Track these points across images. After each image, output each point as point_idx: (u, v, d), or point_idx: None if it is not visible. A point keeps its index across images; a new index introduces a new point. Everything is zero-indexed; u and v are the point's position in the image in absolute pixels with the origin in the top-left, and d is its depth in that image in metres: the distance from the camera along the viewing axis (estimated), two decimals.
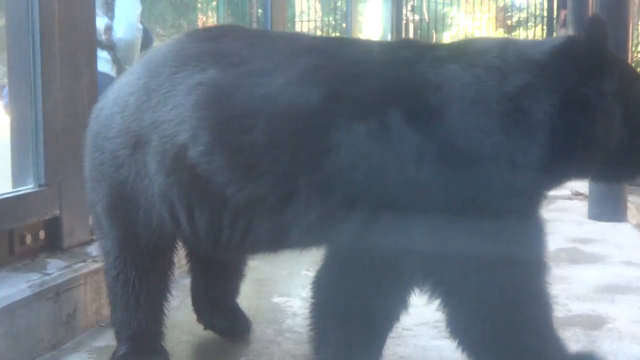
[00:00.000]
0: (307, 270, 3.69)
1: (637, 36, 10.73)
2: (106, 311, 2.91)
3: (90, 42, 3.14)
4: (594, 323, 3.01)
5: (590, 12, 5.75)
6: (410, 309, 3.13)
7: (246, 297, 3.31)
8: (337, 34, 10.25)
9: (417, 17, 10.55)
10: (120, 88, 2.25)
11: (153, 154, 2.06)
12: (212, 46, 2.13)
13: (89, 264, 2.86)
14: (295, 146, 1.90)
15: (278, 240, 2.10)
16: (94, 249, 3.01)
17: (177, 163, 2.01)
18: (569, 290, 3.35)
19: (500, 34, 10.81)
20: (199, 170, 1.98)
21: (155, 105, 2.07)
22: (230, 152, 1.96)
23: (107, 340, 2.76)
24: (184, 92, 2.03)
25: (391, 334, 2.91)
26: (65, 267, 2.76)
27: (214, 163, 1.96)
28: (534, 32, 10.28)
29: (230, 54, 2.08)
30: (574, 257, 4.08)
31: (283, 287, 3.44)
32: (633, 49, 8.55)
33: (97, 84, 3.19)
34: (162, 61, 2.17)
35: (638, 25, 11.05)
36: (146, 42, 5.15)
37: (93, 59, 3.17)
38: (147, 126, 2.08)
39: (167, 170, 2.04)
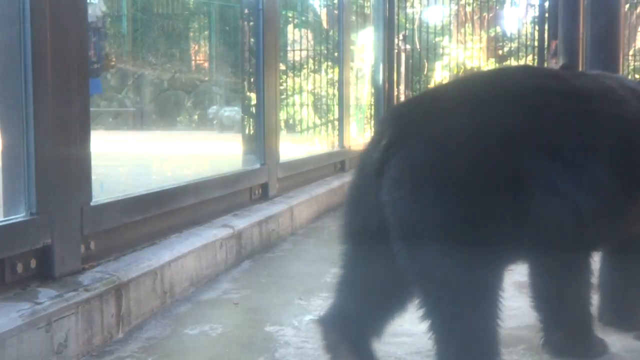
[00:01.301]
0: (300, 299, 3.68)
1: (628, 66, 10.82)
2: (98, 340, 2.90)
3: (82, 70, 3.14)
4: None
5: (580, 43, 5.78)
6: (404, 338, 3.13)
7: (238, 326, 3.30)
8: (329, 63, 10.30)
9: (409, 46, 10.60)
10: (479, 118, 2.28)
11: (563, 172, 2.28)
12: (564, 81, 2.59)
13: (80, 293, 2.84)
14: None
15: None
16: (85, 278, 2.99)
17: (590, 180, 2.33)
18: None
19: (491, 63, 10.87)
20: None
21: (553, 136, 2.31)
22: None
23: None
24: (581, 121, 2.40)
25: None
26: (57, 296, 2.74)
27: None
28: (525, 62, 10.33)
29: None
30: None
31: (276, 316, 3.42)
32: None
33: (89, 113, 3.20)
34: (533, 94, 2.39)
35: (628, 55, 11.15)
36: None
37: (85, 87, 3.17)
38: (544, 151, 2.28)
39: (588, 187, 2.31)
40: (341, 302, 2.56)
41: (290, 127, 10.92)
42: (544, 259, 2.68)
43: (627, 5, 11.28)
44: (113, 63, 10.89)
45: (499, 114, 2.28)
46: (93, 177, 3.21)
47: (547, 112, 2.35)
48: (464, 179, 2.15)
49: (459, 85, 2.74)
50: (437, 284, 2.21)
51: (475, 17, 12.07)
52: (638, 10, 12.62)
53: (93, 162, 3.21)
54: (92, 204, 3.18)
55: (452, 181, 2.16)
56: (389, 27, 10.13)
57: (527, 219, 2.20)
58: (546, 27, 9.48)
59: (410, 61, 10.60)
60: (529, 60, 10.19)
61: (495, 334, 2.25)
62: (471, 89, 2.48)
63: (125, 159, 10.13)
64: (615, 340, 3.09)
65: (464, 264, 2.16)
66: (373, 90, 10.39)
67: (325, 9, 12.21)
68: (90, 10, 5.50)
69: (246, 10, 6.05)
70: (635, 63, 11.31)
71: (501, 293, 2.27)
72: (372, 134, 2.46)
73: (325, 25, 11.75)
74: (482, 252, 2.16)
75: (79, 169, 3.10)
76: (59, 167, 2.95)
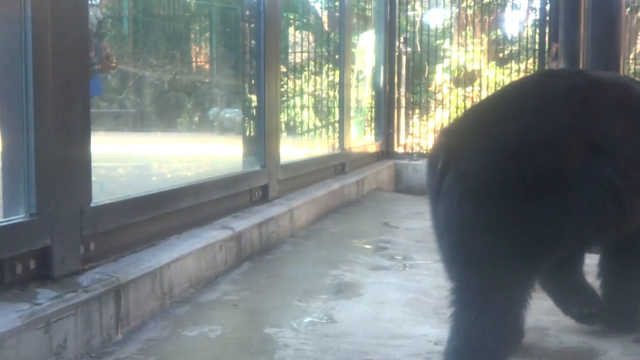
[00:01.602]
0: (299, 301, 3.68)
1: (628, 70, 10.81)
2: (97, 342, 2.90)
3: (83, 71, 3.14)
4: (586, 356, 3.00)
5: (581, 46, 5.78)
6: (403, 340, 3.13)
7: (237, 328, 3.30)
8: (330, 65, 10.31)
9: (409, 49, 10.59)
10: (540, 116, 2.56)
11: (604, 161, 2.47)
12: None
13: (79, 294, 2.84)
14: None
15: None
16: (85, 279, 2.99)
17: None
18: (561, 323, 3.33)
19: (492, 66, 10.86)
20: None
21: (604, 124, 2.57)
22: None
23: None
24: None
25: None
26: (56, 297, 2.74)
27: None
28: (526, 65, 10.33)
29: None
30: None
31: (275, 318, 3.42)
32: None
33: (89, 114, 3.19)
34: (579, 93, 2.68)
35: (629, 58, 11.14)
36: None
37: (86, 88, 3.17)
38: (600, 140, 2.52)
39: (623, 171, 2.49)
40: None
41: (291, 129, 10.92)
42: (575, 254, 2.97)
43: (628, 9, 11.28)
44: (114, 64, 10.90)
45: (537, 119, 2.52)
46: (93, 178, 3.22)
47: (582, 108, 2.61)
48: (508, 182, 2.38)
49: (497, 99, 2.95)
50: (479, 274, 2.43)
51: (476, 20, 12.08)
52: (639, 14, 12.62)
53: (93, 164, 3.21)
54: (92, 205, 3.18)
55: (498, 185, 2.37)
56: (390, 30, 10.15)
57: (569, 218, 2.41)
58: (547, 30, 9.48)
59: (411, 64, 10.60)
60: (530, 63, 10.20)
61: (517, 327, 2.51)
62: (507, 101, 2.75)
63: (126, 160, 10.14)
64: (615, 343, 3.10)
65: (508, 259, 2.38)
66: (374, 93, 10.39)
67: (326, 11, 12.20)
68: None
69: (247, 12, 6.06)
70: (636, 66, 11.30)
71: (532, 290, 2.52)
72: (428, 160, 2.69)
73: (326, 27, 11.75)
74: (524, 248, 2.40)
75: (79, 170, 3.10)
76: (59, 168, 2.95)
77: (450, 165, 2.44)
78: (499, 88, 9.92)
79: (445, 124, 10.54)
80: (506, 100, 2.76)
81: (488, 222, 2.38)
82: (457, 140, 2.54)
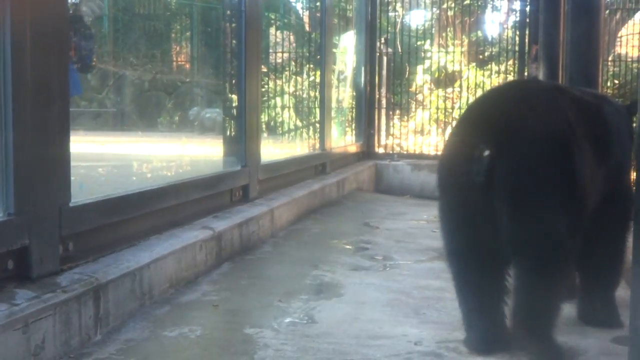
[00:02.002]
0: (280, 301, 3.68)
1: (607, 72, 10.88)
2: (75, 342, 2.88)
3: (62, 70, 3.12)
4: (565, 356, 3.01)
5: (560, 48, 5.81)
6: (383, 340, 3.13)
7: (217, 328, 3.29)
8: (311, 66, 10.31)
9: (390, 50, 10.61)
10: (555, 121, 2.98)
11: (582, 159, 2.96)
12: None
13: (58, 294, 2.82)
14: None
15: None
16: (63, 279, 2.97)
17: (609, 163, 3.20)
18: None
19: (472, 67, 10.90)
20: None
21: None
22: None
23: None
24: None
25: None
26: (34, 297, 2.72)
27: None
28: (506, 66, 10.38)
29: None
30: None
31: (255, 318, 3.42)
32: (603, 84, 8.67)
33: (69, 113, 3.17)
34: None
35: (608, 60, 11.22)
36: None
37: (65, 87, 3.15)
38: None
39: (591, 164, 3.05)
40: None
41: (272, 129, 10.91)
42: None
43: (607, 12, 11.35)
44: (94, 63, 10.83)
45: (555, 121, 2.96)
46: (72, 177, 3.20)
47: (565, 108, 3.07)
48: (563, 165, 2.85)
49: (500, 98, 3.26)
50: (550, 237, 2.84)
51: (457, 22, 12.11)
52: (618, 16, 12.71)
53: (72, 163, 3.19)
54: (71, 204, 3.16)
55: (556, 166, 2.82)
56: (371, 31, 10.17)
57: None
58: (527, 32, 9.53)
59: (392, 64, 10.62)
60: (510, 65, 10.24)
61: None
62: (526, 99, 3.08)
63: (106, 159, 10.08)
64: (594, 343, 3.12)
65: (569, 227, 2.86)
66: (354, 93, 10.40)
67: (307, 11, 12.21)
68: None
69: (228, 12, 6.04)
70: (615, 69, 11.39)
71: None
72: (461, 150, 2.92)
73: (307, 27, 11.75)
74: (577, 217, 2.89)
75: (58, 170, 3.08)
76: (38, 167, 2.93)
77: (499, 155, 2.76)
78: (479, 89, 10.02)
79: (426, 124, 10.58)
80: (518, 98, 3.09)
81: (551, 199, 2.82)
82: (495, 131, 2.86)
